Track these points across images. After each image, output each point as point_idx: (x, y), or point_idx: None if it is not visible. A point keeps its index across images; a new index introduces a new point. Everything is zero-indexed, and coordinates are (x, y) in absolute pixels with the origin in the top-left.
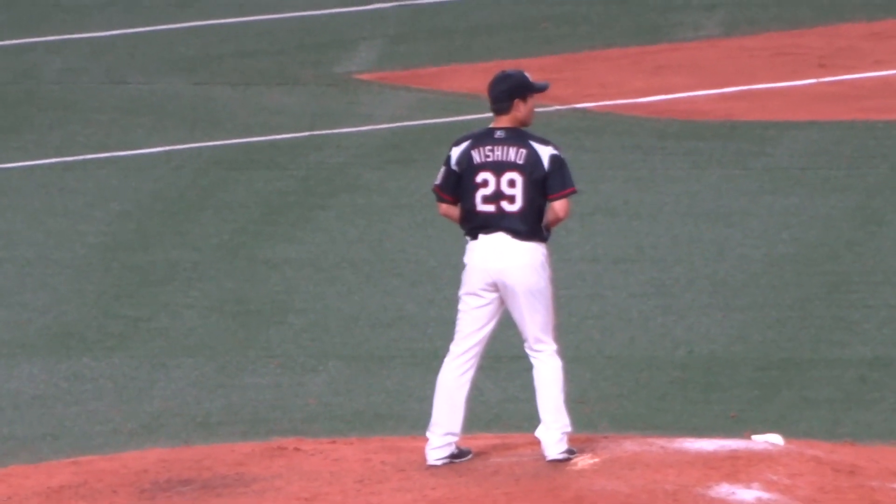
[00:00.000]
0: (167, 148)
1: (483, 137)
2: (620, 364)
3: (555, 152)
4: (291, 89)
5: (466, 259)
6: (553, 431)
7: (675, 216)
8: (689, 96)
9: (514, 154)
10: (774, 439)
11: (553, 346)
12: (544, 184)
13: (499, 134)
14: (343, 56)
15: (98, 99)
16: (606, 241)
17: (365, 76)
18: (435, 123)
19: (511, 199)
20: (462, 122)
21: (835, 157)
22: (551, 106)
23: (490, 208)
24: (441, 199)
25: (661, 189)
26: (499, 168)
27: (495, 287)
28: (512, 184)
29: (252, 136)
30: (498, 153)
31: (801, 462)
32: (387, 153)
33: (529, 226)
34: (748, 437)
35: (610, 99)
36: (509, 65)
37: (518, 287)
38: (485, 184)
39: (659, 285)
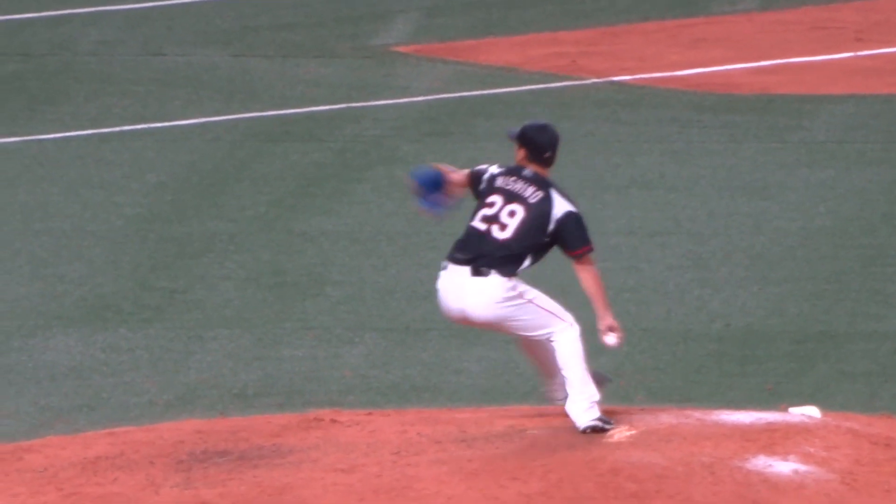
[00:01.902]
0: (203, 120)
1: (514, 171)
2: (657, 337)
3: (572, 209)
4: (328, 61)
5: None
6: (580, 402)
7: (712, 189)
8: (725, 70)
9: (530, 192)
10: (811, 412)
11: (562, 325)
12: (549, 234)
13: (527, 173)
14: (380, 28)
15: (134, 71)
16: (643, 215)
17: (402, 48)
18: (471, 96)
19: (503, 227)
20: (498, 94)
21: (871, 131)
22: (588, 79)
23: (482, 227)
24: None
25: (698, 162)
26: (510, 197)
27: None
28: (512, 214)
29: (288, 109)
30: (518, 186)
31: (837, 435)
32: (423, 126)
33: (506, 258)
34: (785, 410)
35: (646, 72)
36: (546, 38)
37: (484, 321)
38: (491, 205)
39: (695, 258)
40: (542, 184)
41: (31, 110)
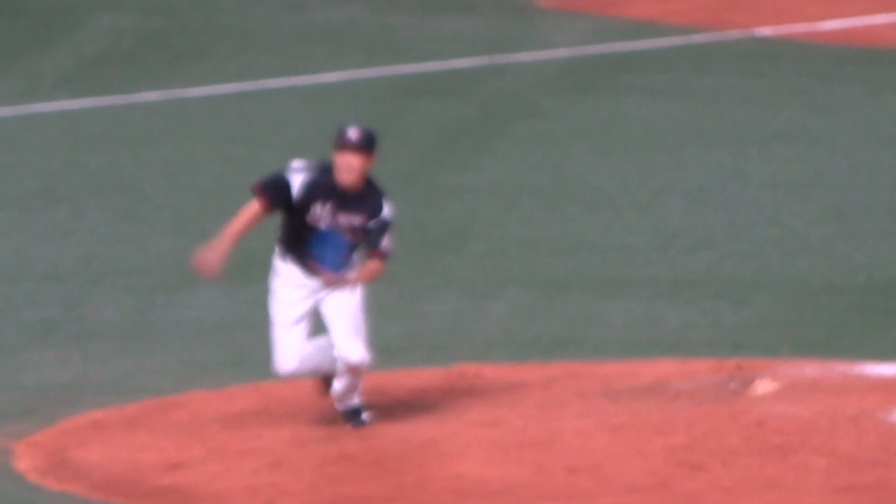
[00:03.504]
0: (345, 75)
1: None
2: (800, 289)
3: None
4: (469, 15)
5: None
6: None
7: (854, 142)
8: (866, 22)
9: None
10: None
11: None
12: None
13: None
14: None
15: (275, 26)
16: (785, 168)
17: (544, 2)
18: (614, 51)
19: None
20: (639, 49)
21: None
22: (728, 32)
23: None
24: None
25: (840, 115)
26: None
27: None
28: None
29: (429, 63)
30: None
31: None
32: (565, 80)
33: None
34: None
35: (786, 25)
36: None
37: None
38: None
39: (838, 211)
40: None
41: (174, 67)
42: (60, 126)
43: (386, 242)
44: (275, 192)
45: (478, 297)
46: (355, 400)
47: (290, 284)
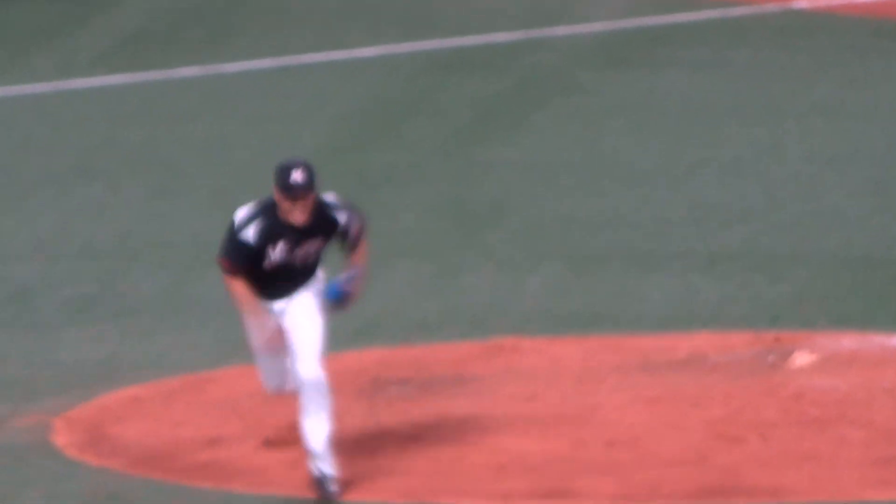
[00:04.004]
0: (382, 50)
1: None
2: (837, 263)
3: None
4: None
5: None
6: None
7: (892, 115)
8: None
9: None
10: None
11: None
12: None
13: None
14: None
15: (314, 1)
16: (822, 141)
17: None
18: (650, 24)
19: None
20: (677, 23)
21: None
22: (765, 4)
23: None
24: None
25: (877, 88)
26: None
27: None
28: None
29: (467, 38)
30: None
31: None
32: (602, 54)
33: None
34: None
35: None
36: None
37: None
38: None
39: (875, 184)
40: None
41: (211, 43)
42: (97, 102)
43: (355, 231)
44: (238, 256)
45: (515, 272)
46: (327, 464)
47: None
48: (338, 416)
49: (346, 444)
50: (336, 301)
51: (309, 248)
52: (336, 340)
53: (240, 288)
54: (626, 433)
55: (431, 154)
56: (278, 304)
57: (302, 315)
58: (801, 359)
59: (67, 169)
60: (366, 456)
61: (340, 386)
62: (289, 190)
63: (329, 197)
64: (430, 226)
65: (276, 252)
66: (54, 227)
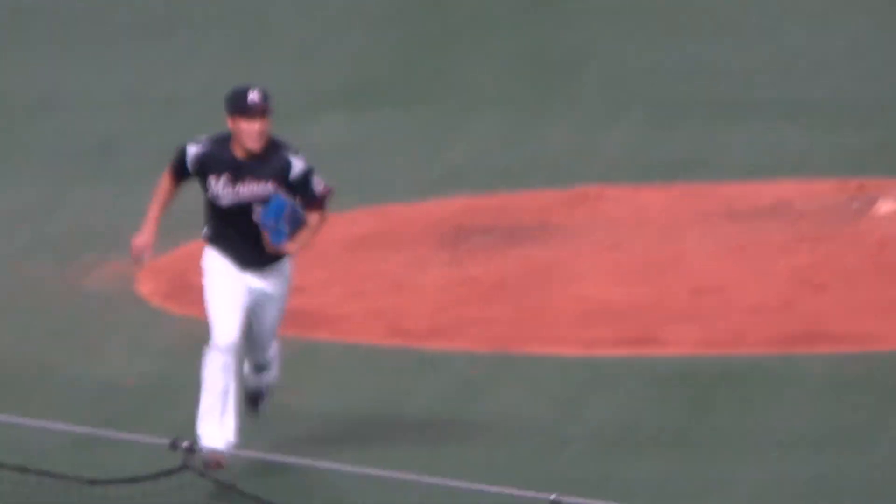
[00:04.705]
0: None
1: None
2: None
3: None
4: None
5: None
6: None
7: None
8: None
9: None
10: None
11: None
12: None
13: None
14: None
15: None
16: None
17: None
18: None
19: None
20: None
21: None
22: None
23: None
24: None
25: None
26: None
27: None
28: None
29: None
30: None
31: None
32: None
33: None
34: None
35: None
36: None
37: None
38: None
39: None
40: None
41: None
42: None
43: (319, 188)
44: (177, 162)
45: (600, 120)
46: (263, 385)
47: (219, 262)
48: (422, 265)
49: (430, 293)
50: (277, 211)
51: (254, 189)
52: (419, 188)
53: (158, 191)
54: (710, 281)
55: (516, 3)
56: (251, 278)
57: (269, 314)
58: (886, 206)
59: (152, 19)
60: (450, 304)
61: (422, 235)
62: (246, 110)
63: (287, 142)
64: (512, 75)
65: (220, 186)
66: (138, 78)
